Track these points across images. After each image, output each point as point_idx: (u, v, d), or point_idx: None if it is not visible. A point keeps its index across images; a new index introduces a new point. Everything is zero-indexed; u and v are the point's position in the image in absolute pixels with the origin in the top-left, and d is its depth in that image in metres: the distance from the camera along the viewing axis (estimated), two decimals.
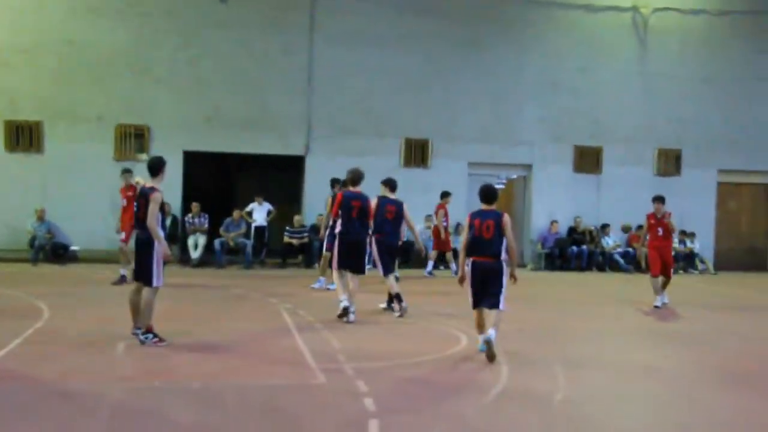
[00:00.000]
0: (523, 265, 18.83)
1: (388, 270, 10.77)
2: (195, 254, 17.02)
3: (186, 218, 17.45)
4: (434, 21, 18.58)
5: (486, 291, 7.84)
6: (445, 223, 16.52)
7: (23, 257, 16.13)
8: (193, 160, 17.83)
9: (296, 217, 17.74)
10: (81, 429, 5.39)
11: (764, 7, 19.88)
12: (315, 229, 16.80)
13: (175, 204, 16.95)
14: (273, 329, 9.37)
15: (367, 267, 10.61)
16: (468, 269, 7.99)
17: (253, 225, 17.57)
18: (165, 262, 8.12)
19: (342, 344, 8.33)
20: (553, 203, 19.25)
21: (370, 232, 10.52)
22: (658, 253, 12.12)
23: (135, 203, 8.30)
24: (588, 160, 19.50)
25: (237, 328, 9.36)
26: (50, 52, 17.06)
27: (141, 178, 8.72)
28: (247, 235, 17.39)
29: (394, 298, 10.66)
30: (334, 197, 11.07)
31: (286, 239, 17.52)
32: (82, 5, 17.22)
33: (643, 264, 13.36)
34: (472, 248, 7.97)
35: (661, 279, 12.12)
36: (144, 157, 17.31)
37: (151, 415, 5.72)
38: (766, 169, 20.34)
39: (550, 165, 19.30)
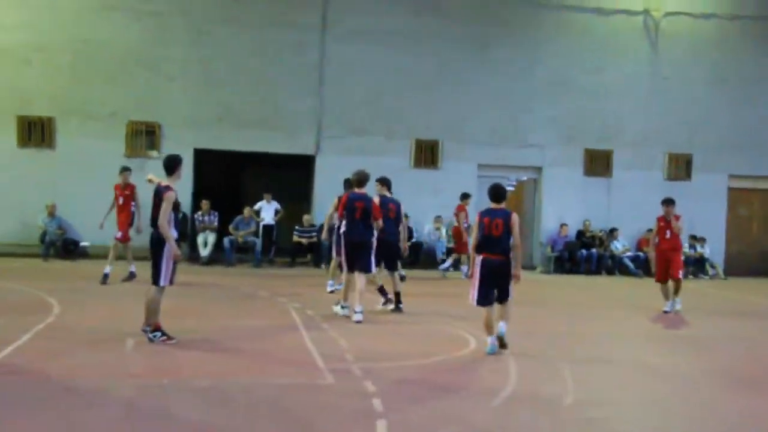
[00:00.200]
0: (532, 268, 18.81)
1: (390, 267, 11.13)
2: (204, 252, 17.07)
3: (196, 216, 17.50)
4: (446, 22, 18.57)
5: (496, 287, 8.11)
6: (465, 225, 16.44)
7: (34, 252, 16.21)
8: (203, 158, 17.88)
9: (305, 217, 17.76)
10: (89, 425, 5.40)
11: None
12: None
13: (185, 201, 16.98)
14: (281, 328, 9.38)
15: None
16: (478, 266, 8.18)
17: (261, 224, 17.61)
18: (175, 262, 8.11)
19: (350, 344, 8.33)
20: (563, 206, 19.20)
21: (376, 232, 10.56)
22: (663, 257, 12.01)
23: (152, 201, 8.20)
24: (598, 163, 19.44)
25: (245, 326, 9.38)
26: (64, 49, 17.15)
27: (154, 175, 8.69)
28: (255, 234, 17.44)
29: (395, 295, 10.87)
30: (340, 198, 11.13)
31: (295, 238, 17.55)
32: (96, 4, 17.32)
33: (653, 268, 13.24)
34: (481, 246, 8.20)
35: (669, 284, 11.97)
36: (155, 154, 17.40)
37: (159, 412, 5.74)
38: None
39: (560, 168, 19.26)
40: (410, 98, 18.46)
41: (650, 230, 14.11)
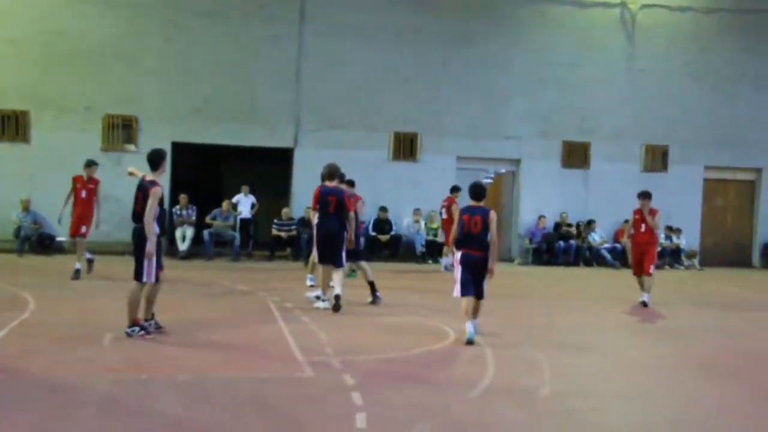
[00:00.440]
0: (510, 260, 18.93)
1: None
2: (183, 246, 16.99)
3: (174, 210, 17.40)
4: (424, 15, 18.57)
5: (475, 281, 8.47)
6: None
7: (8, 248, 16.04)
8: (181, 152, 17.76)
9: (284, 210, 17.73)
10: (68, 421, 5.38)
11: (750, 5, 19.97)
12: (303, 221, 16.82)
13: (164, 195, 16.88)
14: (260, 322, 9.37)
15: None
16: (458, 261, 8.61)
17: (239, 217, 17.59)
18: (158, 259, 8.06)
19: (329, 337, 8.34)
20: (541, 198, 19.31)
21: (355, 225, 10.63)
22: (638, 250, 12.03)
23: (135, 196, 8.10)
24: (576, 155, 19.57)
25: (224, 320, 9.36)
26: (37, 41, 16.95)
27: (135, 168, 8.61)
28: (233, 228, 17.40)
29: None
30: None
31: (274, 232, 17.52)
32: None
33: (629, 259, 13.31)
34: (461, 242, 8.59)
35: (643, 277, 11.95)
36: (132, 148, 17.29)
37: (138, 407, 5.71)
38: (752, 166, 20.50)
39: (538, 160, 19.36)
40: (389, 91, 18.46)
41: (627, 221, 14.22)
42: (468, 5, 18.82)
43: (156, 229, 7.94)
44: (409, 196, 18.48)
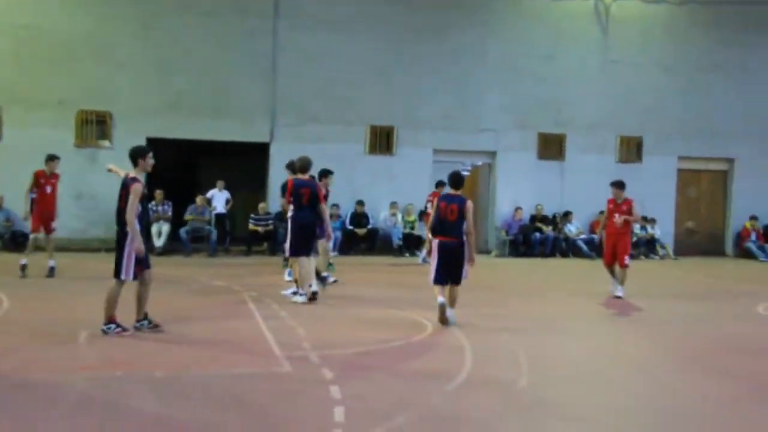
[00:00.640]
0: (487, 252, 19.00)
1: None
2: (159, 242, 16.87)
3: (150, 206, 17.24)
4: (399, 7, 18.56)
5: (450, 269, 8.78)
6: None
7: None
8: (156, 147, 17.37)
9: (261, 205, 17.67)
10: (43, 420, 5.33)
11: None
12: (280, 216, 16.77)
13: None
14: (238, 317, 9.34)
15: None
16: (435, 248, 8.90)
17: (214, 213, 17.53)
18: (137, 256, 7.99)
19: (307, 332, 8.34)
20: (517, 190, 19.40)
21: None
22: (611, 241, 11.97)
23: (118, 193, 8.00)
24: (551, 147, 19.66)
25: (201, 316, 9.32)
26: (8, 36, 16.71)
27: (115, 165, 8.58)
28: (209, 223, 17.33)
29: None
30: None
31: (251, 226, 17.46)
32: None
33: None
34: (437, 228, 8.91)
35: (616, 267, 11.89)
36: (107, 143, 17.13)
37: (114, 405, 5.68)
38: (725, 156, 20.73)
39: (514, 152, 19.43)
40: (364, 85, 18.43)
41: (602, 212, 14.29)
42: None
43: (137, 226, 7.87)
44: (385, 190, 18.50)
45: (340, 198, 17.32)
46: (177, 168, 20.47)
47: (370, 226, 18.20)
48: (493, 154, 19.57)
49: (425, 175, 18.66)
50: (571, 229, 19.34)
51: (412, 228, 18.22)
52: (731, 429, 5.65)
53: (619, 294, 11.80)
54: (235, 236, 18.06)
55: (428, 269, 9.28)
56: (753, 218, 20.24)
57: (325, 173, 12.35)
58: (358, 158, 18.28)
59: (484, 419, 5.64)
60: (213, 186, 18.11)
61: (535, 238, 18.89)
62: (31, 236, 12.52)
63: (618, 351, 8.20)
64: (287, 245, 10.67)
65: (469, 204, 8.88)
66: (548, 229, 19.04)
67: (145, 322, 8.12)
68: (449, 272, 8.80)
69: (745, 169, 20.67)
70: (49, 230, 12.48)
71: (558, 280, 14.68)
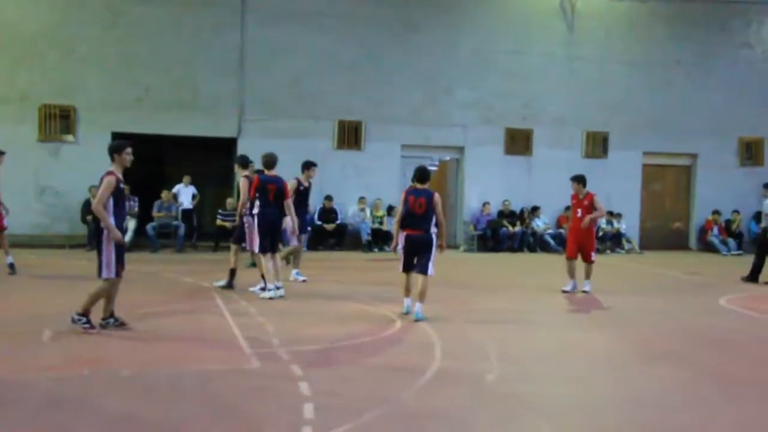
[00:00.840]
0: (455, 247, 19.07)
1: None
2: (126, 238, 16.62)
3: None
4: (367, 2, 18.55)
5: (418, 258, 9.02)
6: None
7: None
8: None
9: (229, 200, 17.53)
10: (5, 420, 5.23)
11: None
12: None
13: None
14: (206, 314, 9.27)
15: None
16: (402, 241, 9.12)
17: (180, 208, 17.37)
18: (120, 249, 7.85)
19: (276, 328, 8.30)
20: (485, 185, 19.51)
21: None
22: (574, 236, 11.89)
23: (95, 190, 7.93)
24: (519, 142, 19.80)
25: (169, 313, 9.24)
26: None
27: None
28: (176, 218, 17.18)
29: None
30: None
31: (219, 222, 17.33)
32: None
33: None
34: (405, 222, 9.10)
35: (578, 263, 11.82)
36: (71, 138, 16.88)
37: (80, 404, 5.60)
38: (688, 152, 21.05)
39: (481, 147, 19.53)
40: (333, 80, 18.38)
41: (568, 208, 14.40)
42: None
43: (111, 220, 7.74)
44: (354, 185, 18.48)
45: None
46: (144, 163, 20.17)
47: (338, 222, 18.18)
48: (461, 150, 19.65)
49: (394, 170, 18.69)
50: (539, 224, 19.50)
51: (381, 223, 18.24)
52: (698, 420, 5.74)
53: (587, 288, 11.87)
54: (202, 232, 17.91)
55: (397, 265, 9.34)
56: (715, 213, 20.57)
57: (308, 165, 12.28)
58: (326, 153, 18.23)
59: (455, 414, 5.66)
60: (180, 181, 17.95)
61: (504, 233, 19.01)
62: None
63: (586, 344, 8.28)
64: (254, 242, 10.65)
65: (437, 197, 9.13)
66: (513, 227, 19.10)
67: (111, 320, 8.01)
68: (417, 261, 9.04)
69: (708, 165, 21.01)
70: (2, 226, 12.18)
71: (526, 275, 14.79)
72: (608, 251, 19.30)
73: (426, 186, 9.21)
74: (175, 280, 12.17)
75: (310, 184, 12.38)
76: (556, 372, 7.06)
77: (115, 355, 7.08)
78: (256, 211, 10.60)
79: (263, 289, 10.53)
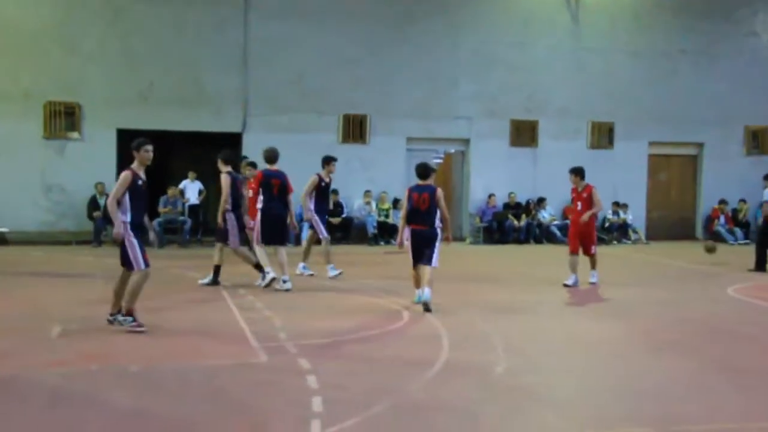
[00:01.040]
0: (461, 239, 19.06)
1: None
2: (151, 236, 16.67)
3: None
4: None
5: (422, 253, 9.19)
6: None
7: None
8: (127, 139, 17.32)
9: None
10: (16, 415, 5.26)
11: None
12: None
13: (110, 183, 16.56)
14: (213, 309, 9.29)
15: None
16: (407, 236, 9.33)
17: (187, 204, 17.40)
18: (117, 243, 7.87)
19: (283, 322, 8.31)
20: (491, 177, 19.47)
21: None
22: (576, 229, 11.75)
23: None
24: (524, 134, 19.76)
25: (176, 308, 9.26)
26: None
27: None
28: (182, 213, 17.21)
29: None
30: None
31: None
32: None
33: None
34: (410, 218, 9.31)
35: (579, 257, 11.60)
36: (76, 135, 16.91)
37: (88, 400, 5.62)
38: (693, 141, 20.97)
39: (486, 139, 19.50)
40: (337, 74, 18.35)
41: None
42: None
43: (125, 217, 7.74)
44: (359, 178, 18.47)
45: None
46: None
47: (344, 215, 18.18)
48: (466, 142, 19.62)
49: (399, 163, 18.68)
50: (545, 215, 19.47)
51: (387, 216, 18.23)
52: (705, 410, 5.73)
53: (593, 279, 11.82)
54: (209, 227, 17.92)
55: (404, 258, 9.35)
56: (722, 202, 20.51)
57: (328, 160, 11.96)
58: (331, 147, 18.14)
59: (463, 406, 5.66)
60: (185, 177, 17.97)
61: (510, 225, 18.98)
62: None
63: (592, 335, 8.27)
64: (256, 235, 10.75)
65: (440, 192, 9.30)
66: (518, 221, 19.03)
67: (119, 316, 8.03)
68: (422, 254, 9.20)
69: (714, 154, 20.93)
70: None
71: (532, 267, 14.76)
72: (615, 242, 19.26)
73: (429, 182, 9.40)
74: (181, 276, 12.19)
75: (330, 179, 12.10)
76: (562, 363, 7.05)
77: (123, 350, 7.10)
78: (260, 206, 10.69)
79: (269, 280, 10.54)
